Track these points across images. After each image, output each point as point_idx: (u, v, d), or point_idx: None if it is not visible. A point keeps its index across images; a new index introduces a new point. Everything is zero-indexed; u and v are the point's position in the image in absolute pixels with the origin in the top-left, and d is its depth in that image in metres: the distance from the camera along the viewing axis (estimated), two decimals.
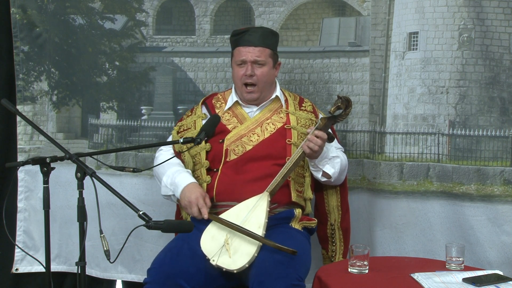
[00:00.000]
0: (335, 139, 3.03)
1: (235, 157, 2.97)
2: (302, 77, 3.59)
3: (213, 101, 3.15)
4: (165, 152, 3.14)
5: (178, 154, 3.08)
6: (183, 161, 3.07)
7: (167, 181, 2.98)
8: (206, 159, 3.01)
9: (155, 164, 3.10)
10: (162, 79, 3.76)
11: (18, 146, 3.81)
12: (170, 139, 3.20)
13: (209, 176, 2.99)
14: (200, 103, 3.16)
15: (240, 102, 3.08)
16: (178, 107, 3.73)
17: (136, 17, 3.73)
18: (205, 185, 2.97)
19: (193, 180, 2.94)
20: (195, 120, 3.11)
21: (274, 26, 3.56)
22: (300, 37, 3.60)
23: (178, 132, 3.13)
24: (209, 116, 3.08)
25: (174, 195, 2.97)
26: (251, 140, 2.99)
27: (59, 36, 3.76)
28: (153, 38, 3.75)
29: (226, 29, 3.63)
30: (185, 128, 3.11)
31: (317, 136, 2.84)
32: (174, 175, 2.96)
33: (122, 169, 2.51)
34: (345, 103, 2.95)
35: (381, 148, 3.48)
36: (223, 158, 2.97)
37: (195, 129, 3.07)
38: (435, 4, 3.35)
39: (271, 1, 3.59)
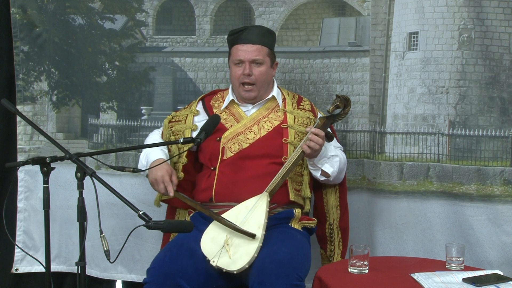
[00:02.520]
0: (335, 138, 3.03)
1: (232, 154, 2.97)
2: (302, 77, 3.59)
3: (211, 101, 3.15)
4: (154, 135, 3.20)
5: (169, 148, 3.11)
6: (169, 150, 3.09)
7: (143, 157, 3.02)
8: (187, 156, 3.03)
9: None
10: (162, 79, 3.76)
11: (18, 146, 3.81)
12: (161, 128, 3.23)
13: (182, 173, 3.01)
14: (198, 99, 3.18)
15: (236, 101, 3.09)
16: (178, 107, 3.72)
17: (136, 17, 3.73)
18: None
19: (162, 156, 2.96)
20: (187, 114, 3.12)
21: (274, 26, 3.56)
22: (300, 37, 3.60)
23: (169, 121, 3.17)
24: (202, 112, 3.10)
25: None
26: (248, 138, 2.99)
27: (59, 36, 3.76)
28: (153, 38, 3.75)
29: (226, 29, 3.62)
30: (176, 120, 3.15)
31: (316, 135, 2.84)
32: (149, 150, 2.99)
33: (122, 169, 2.51)
34: (344, 102, 2.95)
35: (381, 148, 3.48)
36: (219, 156, 2.97)
37: (184, 123, 3.09)
38: (435, 4, 3.35)
39: (271, 1, 3.59)
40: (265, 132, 3.01)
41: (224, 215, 2.83)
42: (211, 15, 3.70)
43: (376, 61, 3.49)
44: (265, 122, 3.04)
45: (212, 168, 2.99)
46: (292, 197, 2.96)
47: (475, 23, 3.30)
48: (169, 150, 3.08)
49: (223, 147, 2.99)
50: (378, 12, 3.45)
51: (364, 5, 3.48)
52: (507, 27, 3.28)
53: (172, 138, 3.07)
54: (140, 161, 3.08)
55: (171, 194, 2.85)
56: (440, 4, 3.34)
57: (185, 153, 3.02)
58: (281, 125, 3.03)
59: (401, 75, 3.44)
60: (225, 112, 3.09)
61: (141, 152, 3.12)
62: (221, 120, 3.02)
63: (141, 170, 2.56)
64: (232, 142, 2.99)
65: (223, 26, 3.69)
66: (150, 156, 2.99)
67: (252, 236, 2.69)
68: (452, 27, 3.34)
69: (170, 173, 2.89)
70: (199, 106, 3.15)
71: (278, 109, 3.08)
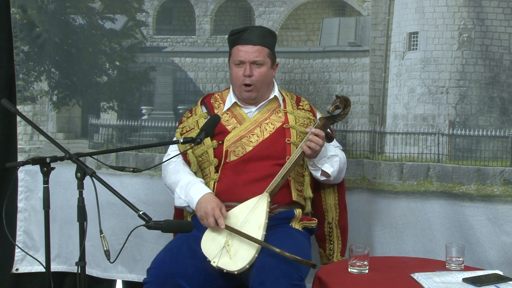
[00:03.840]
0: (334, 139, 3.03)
1: (236, 158, 2.97)
2: (302, 77, 3.59)
3: (211, 101, 3.15)
4: (174, 163, 3.08)
5: (183, 155, 3.06)
6: (188, 162, 3.06)
7: (181, 193, 2.94)
8: (214, 157, 3.00)
9: (166, 175, 3.08)
10: (162, 79, 3.77)
11: (18, 146, 3.81)
12: (172, 147, 3.15)
13: (217, 174, 2.98)
14: (199, 103, 3.16)
15: (238, 103, 3.08)
16: (179, 107, 3.73)
17: (136, 17, 3.74)
18: (212, 183, 2.96)
19: (208, 190, 2.91)
20: (197, 120, 3.09)
21: (274, 26, 3.56)
22: (300, 37, 3.60)
23: (181, 134, 3.10)
24: (209, 115, 3.08)
25: (189, 206, 2.94)
26: (251, 141, 2.99)
27: (59, 36, 3.76)
28: (153, 38, 3.75)
29: (226, 29, 3.62)
30: (188, 129, 3.09)
31: (316, 135, 2.84)
32: (187, 186, 2.93)
33: (122, 169, 2.51)
34: (344, 103, 2.95)
35: (381, 148, 3.48)
36: (223, 159, 2.97)
37: (198, 128, 3.06)
38: (435, 4, 3.35)
39: (271, 1, 3.59)
40: (268, 134, 3.01)
41: None
42: (211, 15, 3.70)
43: (376, 61, 3.49)
44: (267, 124, 3.04)
45: (215, 171, 2.99)
46: (294, 197, 2.96)
47: (475, 23, 3.30)
48: (188, 162, 3.04)
49: (227, 150, 2.98)
50: (378, 12, 3.46)
51: (364, 5, 3.48)
52: (507, 27, 3.28)
53: (188, 147, 3.01)
54: (177, 197, 2.96)
55: (223, 227, 2.76)
56: (440, 4, 3.34)
57: (212, 154, 2.97)
58: (283, 126, 3.03)
59: (401, 75, 3.44)
60: (227, 114, 3.08)
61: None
62: (223, 122, 3.01)
63: (140, 170, 2.54)
64: (236, 146, 2.98)
65: (223, 26, 3.69)
66: (192, 191, 2.90)
67: (313, 266, 2.68)
68: (452, 27, 3.34)
69: (220, 206, 2.83)
70: (204, 110, 3.13)
71: (279, 110, 3.08)
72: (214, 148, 3.00)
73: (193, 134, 3.02)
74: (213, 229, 2.80)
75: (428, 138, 3.42)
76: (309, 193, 3.03)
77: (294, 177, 2.99)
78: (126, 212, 3.41)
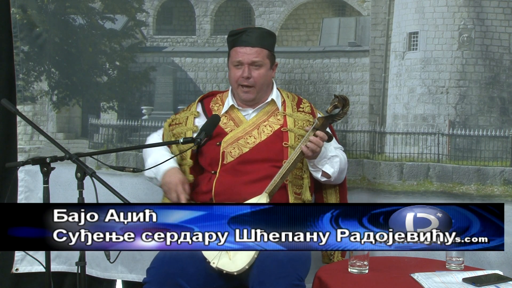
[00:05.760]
0: (334, 138, 3.02)
1: (232, 159, 2.97)
2: (302, 77, 3.59)
3: (211, 104, 3.14)
4: (157, 137, 3.17)
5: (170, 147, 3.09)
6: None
7: (151, 164, 2.97)
8: (191, 158, 3.03)
9: (144, 150, 3.16)
10: (163, 79, 3.77)
11: (18, 146, 3.81)
12: (161, 130, 3.21)
13: (192, 175, 3.00)
14: (197, 100, 3.17)
15: (236, 105, 3.08)
16: (179, 107, 3.73)
17: (137, 17, 3.74)
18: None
19: (174, 165, 2.96)
20: (187, 116, 3.12)
21: (274, 26, 3.56)
22: (300, 37, 3.61)
23: (170, 125, 3.16)
24: (202, 114, 3.09)
25: (156, 178, 2.98)
26: (248, 143, 2.99)
27: (59, 36, 3.76)
28: (154, 38, 3.75)
29: (226, 29, 3.62)
30: (177, 122, 3.13)
31: (316, 136, 2.84)
32: (158, 158, 2.94)
33: (122, 169, 2.51)
34: (342, 102, 2.94)
35: (381, 148, 3.48)
36: (220, 161, 2.97)
37: (185, 125, 3.08)
38: (435, 4, 3.35)
39: (271, 1, 3.60)
40: (265, 137, 3.01)
41: None
42: (211, 15, 3.70)
43: (376, 61, 3.49)
44: (265, 126, 3.03)
45: (212, 172, 2.99)
46: (291, 200, 2.95)
47: (475, 23, 3.30)
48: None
49: (223, 152, 2.98)
50: (378, 12, 3.46)
51: (364, 5, 3.48)
52: (507, 27, 3.28)
53: (176, 149, 3.03)
54: (147, 167, 3.02)
55: (183, 202, 2.83)
56: (440, 4, 3.34)
57: (189, 155, 3.02)
58: (281, 129, 3.02)
59: (401, 75, 3.44)
60: (225, 116, 3.07)
61: (141, 152, 3.10)
62: (221, 125, 3.01)
63: (140, 170, 2.56)
64: (232, 147, 2.98)
65: (223, 26, 3.69)
66: (160, 165, 2.94)
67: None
68: (452, 27, 3.34)
69: (183, 182, 2.91)
70: (199, 108, 3.14)
71: (278, 112, 3.07)
72: (192, 150, 3.01)
73: (179, 129, 3.09)
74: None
75: (428, 138, 3.42)
76: (307, 196, 3.01)
77: (292, 181, 2.98)
78: None
